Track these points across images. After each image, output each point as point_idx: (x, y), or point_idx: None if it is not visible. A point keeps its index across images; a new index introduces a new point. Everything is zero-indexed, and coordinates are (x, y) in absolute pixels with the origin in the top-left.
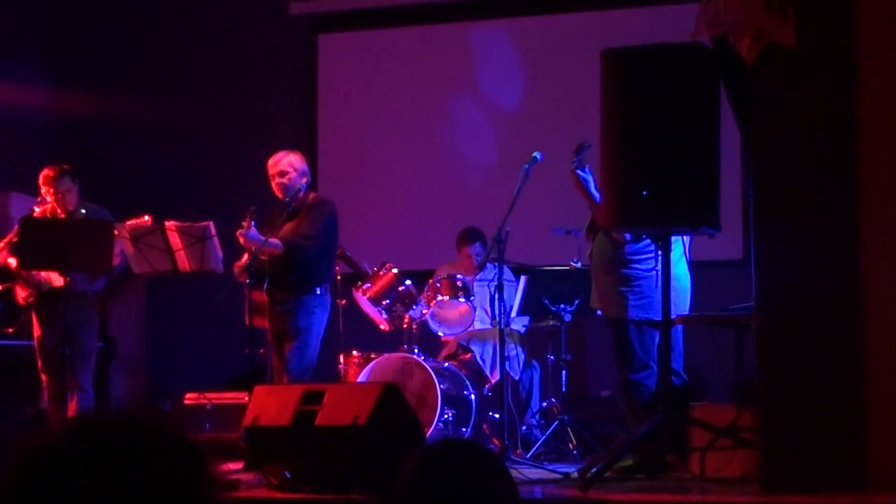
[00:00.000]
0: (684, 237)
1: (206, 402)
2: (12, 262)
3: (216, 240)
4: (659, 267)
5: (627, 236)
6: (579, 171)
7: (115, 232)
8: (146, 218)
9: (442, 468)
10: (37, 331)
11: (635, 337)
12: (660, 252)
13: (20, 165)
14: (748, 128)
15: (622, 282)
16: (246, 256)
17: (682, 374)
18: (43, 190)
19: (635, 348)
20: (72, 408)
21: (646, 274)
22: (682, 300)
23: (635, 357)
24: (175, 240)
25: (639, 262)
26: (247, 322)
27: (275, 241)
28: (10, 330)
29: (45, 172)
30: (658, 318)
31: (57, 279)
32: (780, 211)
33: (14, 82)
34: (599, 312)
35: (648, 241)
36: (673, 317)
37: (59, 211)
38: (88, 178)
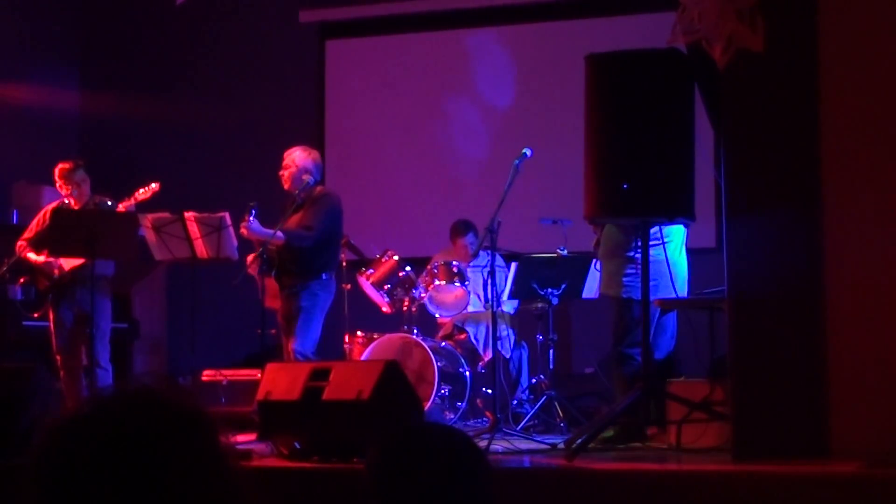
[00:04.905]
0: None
1: (221, 378)
2: (31, 255)
3: (231, 229)
4: (663, 255)
5: None
6: None
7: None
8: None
9: (404, 456)
10: (52, 313)
11: (638, 315)
12: (665, 240)
13: (52, 161)
14: (720, 126)
15: (630, 264)
16: (258, 248)
17: (666, 353)
18: (58, 183)
19: (634, 326)
20: (92, 385)
21: (652, 259)
22: (680, 284)
23: (632, 333)
24: (193, 229)
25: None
26: (260, 300)
27: (277, 233)
28: (37, 315)
29: (61, 166)
30: (661, 297)
31: (68, 262)
32: (750, 203)
33: (47, 85)
34: (596, 295)
35: (657, 229)
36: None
37: (72, 202)
38: (114, 172)
